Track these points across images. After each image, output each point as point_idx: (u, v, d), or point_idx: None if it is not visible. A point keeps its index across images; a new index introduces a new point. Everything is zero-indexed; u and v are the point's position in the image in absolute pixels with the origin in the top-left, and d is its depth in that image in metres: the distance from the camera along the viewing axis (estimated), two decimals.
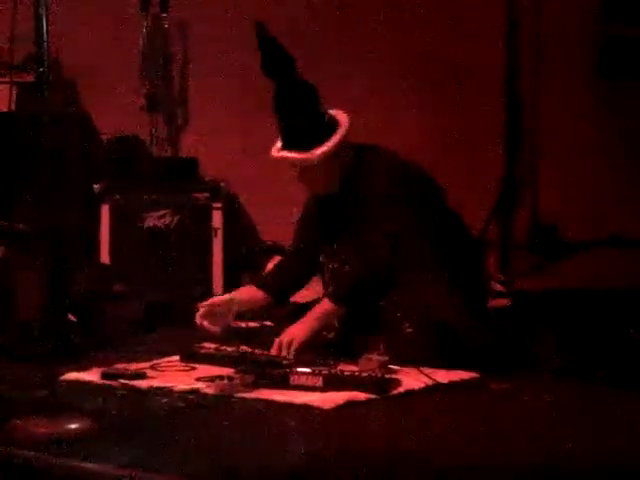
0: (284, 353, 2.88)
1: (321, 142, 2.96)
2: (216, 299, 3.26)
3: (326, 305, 2.96)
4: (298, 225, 3.27)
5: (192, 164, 4.73)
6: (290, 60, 2.95)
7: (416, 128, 4.28)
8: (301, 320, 2.96)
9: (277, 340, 2.93)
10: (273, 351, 2.90)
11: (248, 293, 3.23)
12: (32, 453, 2.19)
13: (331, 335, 3.02)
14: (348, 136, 3.01)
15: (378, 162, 3.04)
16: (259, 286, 3.22)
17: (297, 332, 2.92)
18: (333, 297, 2.95)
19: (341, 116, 3.03)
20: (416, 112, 4.34)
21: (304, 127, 2.96)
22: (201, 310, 3.18)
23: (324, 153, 2.96)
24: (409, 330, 2.92)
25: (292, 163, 3.01)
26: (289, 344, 2.89)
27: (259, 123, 4.74)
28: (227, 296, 3.24)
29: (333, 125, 2.99)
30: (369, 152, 3.07)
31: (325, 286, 3.13)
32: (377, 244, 2.94)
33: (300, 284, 3.24)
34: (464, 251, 3.09)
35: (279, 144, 3.03)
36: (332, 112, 3.03)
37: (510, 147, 4.29)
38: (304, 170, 3.01)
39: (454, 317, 2.95)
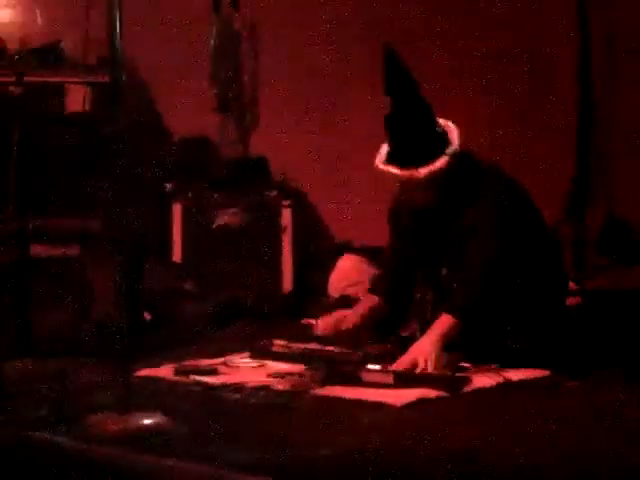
0: (421, 367, 2.75)
1: (429, 159, 2.90)
2: (338, 314, 3.19)
3: (450, 320, 2.84)
4: (392, 231, 3.20)
5: (262, 163, 4.77)
6: (415, 84, 2.91)
7: (484, 117, 4.24)
8: (427, 337, 2.83)
9: (407, 359, 2.79)
10: (404, 366, 2.76)
11: (368, 304, 3.15)
12: (108, 449, 2.23)
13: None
14: (456, 155, 2.93)
15: (484, 180, 2.98)
16: (376, 293, 3.16)
17: (426, 351, 2.79)
18: (457, 314, 2.84)
19: (451, 130, 2.95)
20: (483, 99, 4.30)
21: (414, 144, 2.91)
22: (320, 324, 3.15)
23: (431, 172, 2.90)
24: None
25: (396, 178, 2.96)
26: (425, 364, 2.76)
27: (328, 123, 4.82)
28: (349, 312, 3.17)
29: (443, 139, 2.93)
30: (471, 164, 3.00)
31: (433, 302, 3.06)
32: (488, 257, 2.89)
33: (411, 283, 3.16)
34: (547, 252, 3.06)
35: (384, 154, 2.97)
36: (442, 123, 2.96)
37: (582, 143, 4.22)
38: (407, 185, 2.97)
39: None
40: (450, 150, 2.92)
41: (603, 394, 2.67)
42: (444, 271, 3.02)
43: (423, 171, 2.90)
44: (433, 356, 2.77)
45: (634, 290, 3.55)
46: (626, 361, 2.97)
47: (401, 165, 2.91)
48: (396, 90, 2.90)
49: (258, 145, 4.94)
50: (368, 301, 3.17)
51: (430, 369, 2.75)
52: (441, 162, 2.91)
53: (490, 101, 4.35)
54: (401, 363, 2.78)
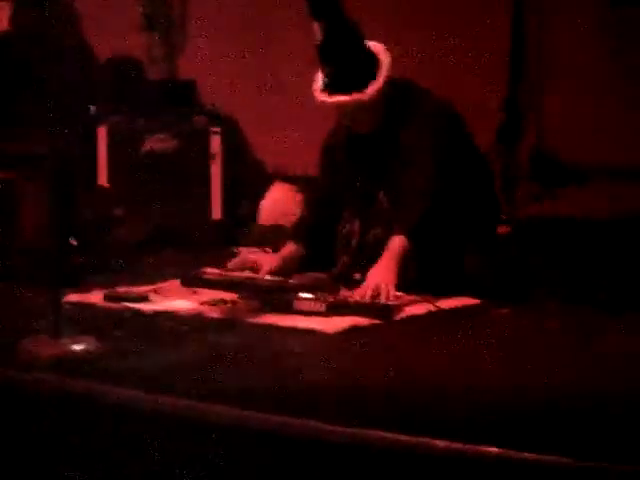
0: (383, 300, 2.74)
1: (368, 80, 2.88)
2: (249, 257, 3.17)
3: (402, 243, 2.84)
4: (323, 169, 3.17)
5: (190, 87, 4.67)
6: (340, 5, 2.86)
7: (418, 49, 4.22)
8: (381, 263, 2.82)
9: (368, 286, 2.77)
10: (367, 297, 2.75)
11: (291, 253, 3.10)
12: (38, 374, 2.20)
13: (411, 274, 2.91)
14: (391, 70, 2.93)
15: (419, 104, 2.98)
16: (297, 240, 3.12)
17: (385, 276, 2.79)
18: (406, 233, 2.83)
19: (379, 49, 2.95)
20: (419, 33, 4.27)
21: (352, 68, 2.89)
22: (234, 263, 3.11)
23: (376, 92, 2.89)
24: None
25: (342, 106, 2.93)
26: (386, 291, 2.75)
27: (258, 46, 4.73)
28: (267, 257, 3.16)
29: (375, 60, 2.92)
30: (408, 89, 3.01)
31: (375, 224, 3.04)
32: (430, 175, 2.89)
33: (332, 230, 3.13)
34: (481, 177, 3.09)
35: (321, 86, 2.93)
36: (370, 43, 2.95)
37: (514, 74, 4.24)
38: (353, 111, 2.94)
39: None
40: (385, 66, 2.91)
41: (532, 320, 2.73)
42: (381, 195, 3.01)
43: (368, 92, 2.88)
44: (393, 279, 2.78)
45: (563, 218, 3.62)
46: (556, 288, 3.04)
47: (343, 91, 2.89)
48: (323, 14, 2.85)
49: (187, 67, 4.83)
50: (287, 250, 3.12)
51: (392, 293, 2.75)
52: (381, 80, 2.90)
53: (420, 30, 4.32)
54: (364, 290, 2.76)
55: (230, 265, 3.11)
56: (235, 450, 1.93)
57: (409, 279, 2.88)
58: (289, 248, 3.12)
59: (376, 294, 2.75)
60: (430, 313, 2.77)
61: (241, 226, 4.32)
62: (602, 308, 2.82)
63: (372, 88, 2.89)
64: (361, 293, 2.77)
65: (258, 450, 1.91)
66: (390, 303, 2.76)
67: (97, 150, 4.45)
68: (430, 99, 3.03)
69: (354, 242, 3.07)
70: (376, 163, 3.03)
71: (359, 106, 2.92)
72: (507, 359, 2.34)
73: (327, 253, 3.12)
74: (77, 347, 2.31)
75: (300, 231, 3.17)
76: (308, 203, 3.31)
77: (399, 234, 2.85)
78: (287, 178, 4.43)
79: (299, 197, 4.22)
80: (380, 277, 2.79)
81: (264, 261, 3.10)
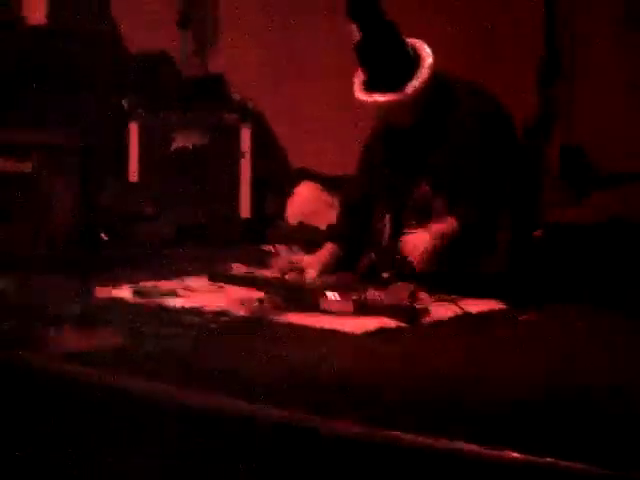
0: (411, 257, 2.84)
1: (409, 78, 2.88)
2: (293, 259, 3.18)
3: (453, 224, 2.90)
4: (362, 169, 3.17)
5: (220, 81, 4.68)
6: (378, 4, 2.86)
7: (448, 44, 4.20)
8: (426, 229, 2.90)
9: (404, 243, 2.87)
10: (404, 252, 2.86)
11: (329, 253, 3.12)
12: (66, 365, 2.22)
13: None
14: (433, 68, 2.93)
15: (464, 98, 2.99)
16: (334, 240, 3.13)
17: (423, 240, 2.87)
18: (462, 219, 2.89)
19: (420, 46, 2.95)
20: (449, 27, 4.26)
21: (391, 67, 2.88)
22: (281, 268, 3.11)
23: (416, 90, 2.89)
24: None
25: (381, 105, 2.93)
26: (418, 249, 2.85)
27: (292, 44, 4.74)
28: (310, 259, 3.14)
29: (415, 57, 2.92)
30: (448, 83, 3.00)
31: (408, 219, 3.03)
32: (490, 175, 2.93)
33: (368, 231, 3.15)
34: (525, 184, 3.10)
35: (360, 85, 2.93)
36: (411, 42, 2.95)
37: (545, 74, 4.21)
38: (394, 109, 2.94)
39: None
40: (426, 64, 2.91)
41: (559, 325, 2.72)
42: (426, 188, 3.00)
43: (407, 91, 2.89)
44: (429, 248, 2.84)
45: (592, 221, 3.60)
46: (587, 294, 3.02)
47: (382, 90, 2.89)
48: (360, 13, 2.85)
49: (218, 63, 4.84)
50: (326, 250, 3.12)
51: (420, 263, 2.82)
52: (422, 78, 2.90)
53: (454, 28, 4.30)
54: (403, 245, 2.84)
55: (277, 268, 3.10)
56: (256, 446, 1.94)
57: (442, 272, 2.90)
58: (327, 249, 3.13)
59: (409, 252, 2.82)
60: (457, 316, 2.76)
61: (268, 224, 4.33)
62: (633, 313, 2.80)
63: (411, 87, 2.89)
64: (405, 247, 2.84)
65: (276, 445, 1.92)
66: (417, 306, 2.76)
67: (128, 146, 4.47)
68: (475, 95, 3.02)
69: (384, 239, 3.07)
70: (415, 156, 3.02)
71: (398, 105, 2.91)
72: (532, 364, 2.33)
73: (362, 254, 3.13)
74: (104, 340, 2.33)
75: (337, 231, 3.18)
76: (344, 206, 3.29)
77: (454, 220, 2.89)
78: (314, 176, 4.43)
79: (325, 196, 4.23)
80: (419, 239, 2.86)
81: (308, 263, 3.10)
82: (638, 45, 4.03)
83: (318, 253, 3.13)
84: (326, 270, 3.06)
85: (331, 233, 3.21)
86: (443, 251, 2.89)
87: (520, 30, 4.25)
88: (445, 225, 2.91)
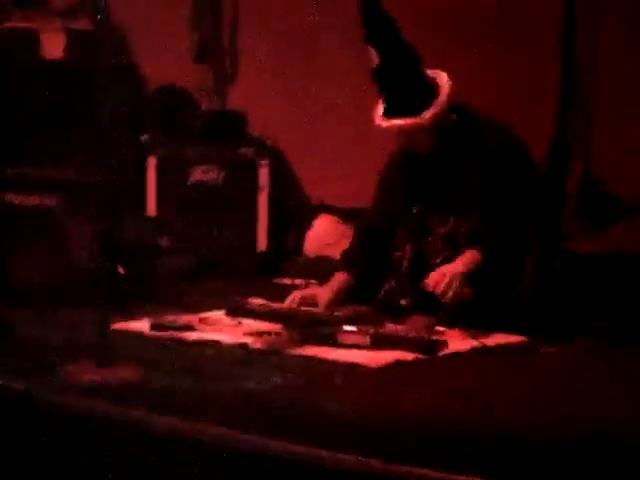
0: (441, 289, 2.82)
1: (428, 104, 2.91)
2: (310, 292, 3.14)
3: (475, 255, 2.89)
4: (379, 197, 3.18)
5: (239, 118, 4.71)
6: (395, 26, 2.89)
7: (466, 75, 4.21)
8: (456, 262, 2.88)
9: (434, 276, 2.84)
10: (430, 285, 2.83)
11: (342, 284, 3.10)
12: (82, 399, 2.22)
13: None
14: (451, 96, 2.95)
15: (481, 134, 3.00)
16: (346, 270, 3.11)
17: (453, 271, 2.85)
18: (483, 252, 2.88)
19: (439, 75, 2.98)
20: (467, 58, 4.27)
21: (410, 92, 2.91)
22: (292, 300, 3.08)
23: (435, 115, 2.91)
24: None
25: (401, 130, 2.95)
26: (450, 280, 2.82)
27: (309, 79, 4.76)
28: (321, 290, 3.12)
29: (434, 85, 2.94)
30: (468, 116, 3.02)
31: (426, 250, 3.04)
32: (511, 231, 2.94)
33: (382, 260, 3.14)
34: (543, 212, 3.11)
35: (380, 111, 2.95)
36: (429, 71, 2.97)
37: (563, 104, 4.20)
38: (412, 135, 2.96)
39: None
40: (445, 90, 2.93)
41: (578, 360, 2.69)
42: (452, 220, 2.99)
43: (428, 114, 2.90)
44: (458, 278, 2.82)
45: (612, 255, 3.57)
46: (604, 325, 3.00)
47: (400, 115, 2.90)
48: (379, 38, 2.88)
49: (236, 97, 4.88)
50: (337, 280, 3.11)
51: (450, 293, 2.81)
52: (441, 102, 2.92)
53: (471, 56, 4.30)
54: (431, 279, 2.83)
55: (290, 301, 3.06)
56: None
57: (463, 303, 2.88)
58: (339, 278, 3.11)
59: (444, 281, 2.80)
60: (474, 349, 2.74)
61: (285, 257, 4.32)
62: None
63: (429, 112, 2.91)
64: (430, 280, 2.82)
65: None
66: (435, 338, 2.74)
67: (146, 180, 4.50)
68: (494, 129, 3.04)
69: (404, 267, 3.06)
70: (433, 188, 3.02)
71: (416, 130, 2.93)
72: (548, 399, 2.31)
73: (376, 283, 3.11)
74: (120, 374, 2.33)
75: (349, 260, 3.16)
76: (358, 232, 3.28)
77: (476, 251, 2.88)
78: (332, 210, 4.43)
79: (343, 228, 4.22)
80: (450, 270, 2.84)
81: (320, 296, 3.07)
82: None
83: (329, 284, 3.12)
84: (336, 300, 3.05)
85: (343, 261, 3.19)
86: (469, 283, 2.87)
87: (537, 59, 4.25)
88: (470, 257, 2.89)
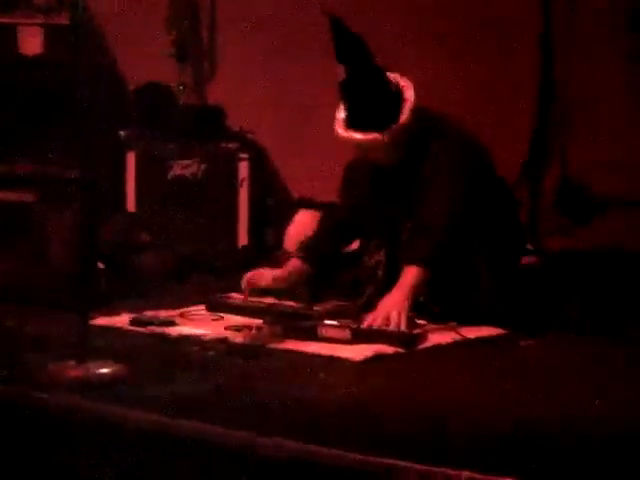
0: (393, 326, 2.73)
1: (390, 120, 2.88)
2: (264, 274, 3.16)
3: (416, 271, 2.81)
4: (343, 190, 3.20)
5: (219, 113, 4.70)
6: (365, 49, 2.89)
7: (447, 79, 4.23)
8: (397, 291, 2.80)
9: (379, 313, 2.76)
10: (377, 324, 2.74)
11: (295, 269, 3.14)
12: (63, 397, 2.22)
13: (421, 298, 2.90)
14: (413, 110, 2.92)
15: (440, 135, 2.98)
16: (305, 258, 3.15)
17: (398, 304, 2.76)
18: (424, 262, 2.82)
19: (405, 85, 2.94)
20: (445, 62, 4.28)
21: (373, 108, 2.89)
22: (246, 283, 3.12)
23: (394, 133, 2.89)
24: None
25: (359, 144, 2.94)
26: (397, 319, 2.74)
27: (288, 73, 4.76)
28: (275, 272, 3.15)
29: (399, 97, 2.91)
30: (428, 119, 2.99)
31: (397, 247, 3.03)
32: (450, 204, 2.88)
33: (341, 250, 3.20)
34: (505, 207, 3.09)
35: (342, 121, 2.94)
36: (394, 78, 2.94)
37: (541, 105, 4.23)
38: (370, 149, 2.95)
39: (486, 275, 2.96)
40: (408, 107, 2.91)
41: (557, 353, 2.71)
42: (407, 226, 3.00)
43: (386, 134, 2.88)
44: (405, 308, 2.76)
45: (589, 251, 3.60)
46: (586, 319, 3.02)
47: (362, 129, 2.89)
48: (347, 58, 2.88)
49: (215, 94, 4.87)
50: (292, 264, 3.15)
51: (403, 323, 2.74)
52: (402, 121, 2.90)
53: (446, 59, 4.32)
54: (375, 319, 2.76)
55: (243, 284, 3.12)
56: (253, 475, 1.93)
57: (433, 312, 2.89)
58: (294, 263, 3.15)
59: (386, 322, 2.74)
60: (455, 342, 2.76)
61: (266, 252, 4.32)
62: (629, 341, 2.79)
63: (391, 129, 2.89)
64: (371, 320, 2.76)
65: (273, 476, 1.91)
66: (415, 331, 2.75)
67: (125, 175, 4.48)
68: (450, 129, 3.01)
69: (380, 273, 3.08)
70: (400, 194, 3.03)
71: (376, 145, 2.92)
72: (530, 390, 2.32)
73: (329, 274, 3.18)
74: (102, 371, 2.32)
75: (308, 249, 3.19)
76: (322, 223, 3.31)
77: (412, 265, 2.83)
78: (313, 205, 4.44)
79: None
80: (391, 305, 2.77)
81: (268, 272, 3.14)
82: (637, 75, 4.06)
83: (282, 269, 3.16)
84: (286, 280, 3.10)
85: (302, 249, 3.21)
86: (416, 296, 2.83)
87: (516, 64, 4.28)
88: (410, 279, 2.82)
